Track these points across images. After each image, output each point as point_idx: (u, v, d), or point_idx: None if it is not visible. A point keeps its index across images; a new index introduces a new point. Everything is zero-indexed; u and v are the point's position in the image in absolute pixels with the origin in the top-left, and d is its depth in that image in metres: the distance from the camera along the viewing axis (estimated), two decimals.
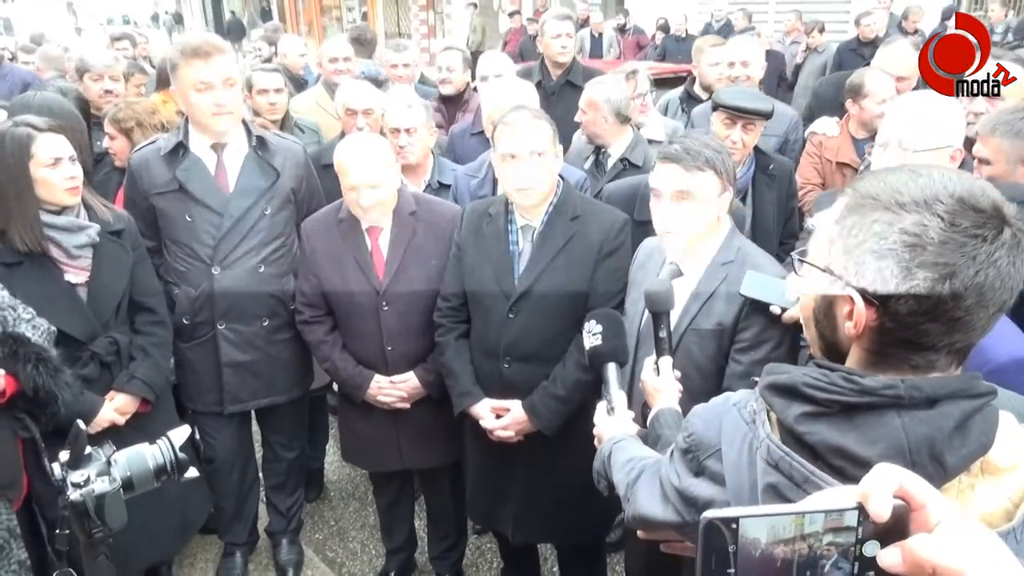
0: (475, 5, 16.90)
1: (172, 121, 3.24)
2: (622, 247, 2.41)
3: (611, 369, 1.81)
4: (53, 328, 2.36)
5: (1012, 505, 0.88)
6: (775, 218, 3.00)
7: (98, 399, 2.52)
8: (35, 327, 2.30)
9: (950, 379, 0.93)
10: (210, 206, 2.71)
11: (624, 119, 3.26)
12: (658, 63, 8.89)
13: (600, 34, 11.48)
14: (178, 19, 28.62)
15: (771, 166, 3.02)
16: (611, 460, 1.54)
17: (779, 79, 8.38)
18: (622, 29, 12.23)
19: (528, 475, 2.55)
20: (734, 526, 0.67)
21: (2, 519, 2.27)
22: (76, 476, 1.30)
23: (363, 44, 5.51)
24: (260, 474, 3.26)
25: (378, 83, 4.21)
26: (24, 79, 5.82)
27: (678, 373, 1.79)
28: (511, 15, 14.83)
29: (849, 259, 0.93)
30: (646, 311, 2.02)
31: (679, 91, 4.78)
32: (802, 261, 1.03)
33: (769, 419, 1.01)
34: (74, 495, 1.29)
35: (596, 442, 1.70)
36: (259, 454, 3.27)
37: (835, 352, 1.02)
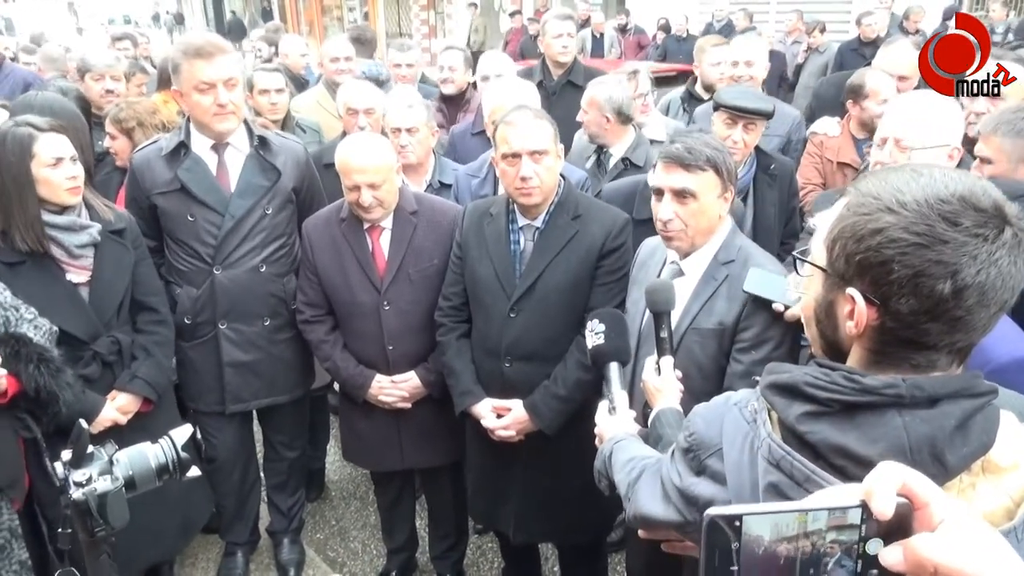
0: (476, 5, 16.88)
1: (173, 121, 3.24)
2: (623, 246, 2.41)
3: (613, 368, 1.81)
4: (55, 328, 2.36)
5: (1013, 504, 0.88)
6: (776, 218, 2.99)
7: (100, 399, 2.52)
8: (37, 327, 2.31)
9: (951, 378, 0.93)
10: (211, 206, 2.71)
11: (626, 119, 3.26)
12: (659, 63, 8.89)
13: (601, 34, 11.51)
14: (179, 19, 28.64)
15: (772, 166, 3.02)
16: (612, 459, 1.54)
17: (780, 79, 8.36)
18: (623, 29, 12.23)
19: (529, 475, 2.55)
20: (737, 524, 0.67)
21: (4, 519, 2.27)
22: (78, 475, 1.30)
23: (363, 44, 5.50)
24: (261, 474, 3.27)
25: (379, 83, 4.21)
26: (25, 79, 5.81)
27: (679, 373, 1.80)
28: (512, 15, 14.83)
29: None
30: (647, 311, 2.02)
31: (680, 91, 4.80)
32: (803, 260, 1.03)
33: (770, 418, 1.01)
34: (76, 494, 1.29)
35: (597, 441, 1.70)
36: (260, 454, 3.27)
37: (836, 351, 1.02)
